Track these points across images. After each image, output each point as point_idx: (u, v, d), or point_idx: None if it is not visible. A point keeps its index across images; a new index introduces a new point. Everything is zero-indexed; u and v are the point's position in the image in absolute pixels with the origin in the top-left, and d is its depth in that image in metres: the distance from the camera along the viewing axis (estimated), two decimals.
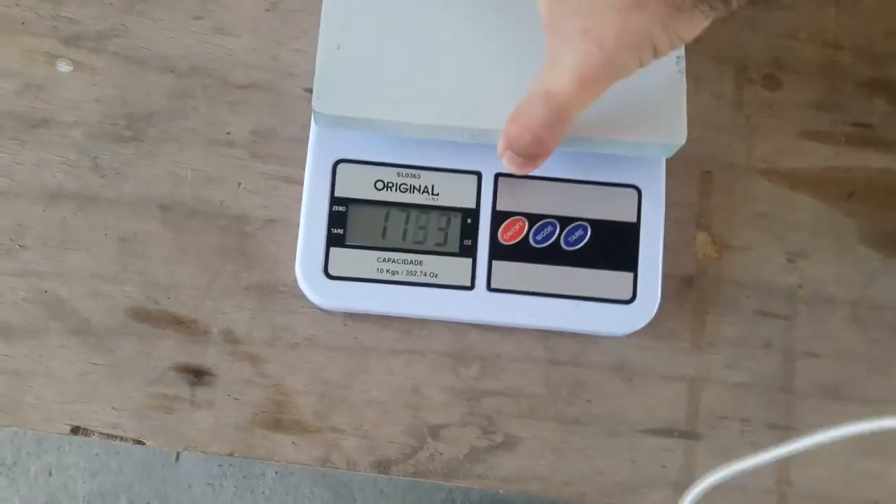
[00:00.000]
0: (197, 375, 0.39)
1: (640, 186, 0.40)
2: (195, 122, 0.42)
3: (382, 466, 0.39)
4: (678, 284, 0.42)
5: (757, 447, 0.39)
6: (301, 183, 0.39)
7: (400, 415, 0.39)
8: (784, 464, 0.40)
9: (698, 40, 0.41)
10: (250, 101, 0.42)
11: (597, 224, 0.40)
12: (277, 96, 0.42)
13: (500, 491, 0.39)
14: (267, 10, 0.44)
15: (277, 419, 0.39)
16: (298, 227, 0.39)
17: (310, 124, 0.40)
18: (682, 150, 0.38)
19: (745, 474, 0.38)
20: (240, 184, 0.41)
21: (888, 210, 0.45)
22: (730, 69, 0.46)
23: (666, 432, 0.40)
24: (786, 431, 0.41)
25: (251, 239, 0.40)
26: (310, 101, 0.40)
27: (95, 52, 0.42)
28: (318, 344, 0.40)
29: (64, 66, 0.42)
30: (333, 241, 0.39)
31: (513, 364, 0.40)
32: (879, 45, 0.47)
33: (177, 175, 0.41)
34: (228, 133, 0.42)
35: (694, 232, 0.43)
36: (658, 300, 0.39)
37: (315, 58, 0.36)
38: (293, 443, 0.39)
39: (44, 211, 0.40)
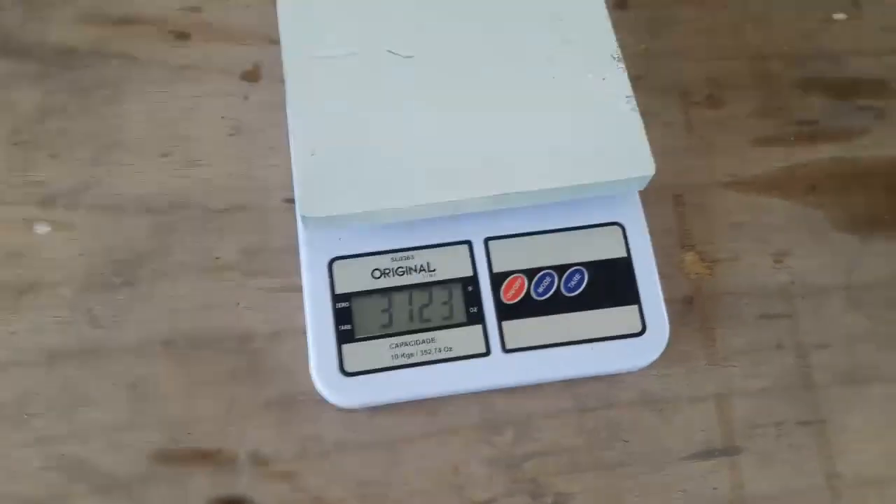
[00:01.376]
0: None
1: (622, 222, 0.42)
2: (182, 255, 0.42)
3: None
4: (680, 308, 0.43)
5: (796, 448, 0.39)
6: (298, 289, 0.39)
7: (446, 498, 0.39)
8: (828, 458, 0.41)
9: (638, 77, 0.44)
10: (233, 222, 0.43)
11: (591, 265, 0.41)
12: (259, 213, 0.43)
13: None
14: (231, 134, 0.45)
15: None
16: (305, 333, 0.39)
17: (295, 232, 0.41)
18: (651, 179, 0.40)
19: (793, 476, 0.38)
20: (238, 304, 0.41)
21: (851, 195, 0.47)
22: (673, 98, 0.49)
23: (707, 454, 0.41)
24: (819, 426, 0.41)
25: (260, 355, 0.40)
26: (291, 210, 0.41)
27: (70, 208, 0.43)
28: (348, 446, 0.39)
29: (42, 228, 0.42)
30: (344, 337, 0.39)
31: (545, 421, 0.40)
32: (800, 46, 0.51)
33: (174, 310, 0.41)
34: (217, 258, 0.42)
35: (681, 254, 0.45)
36: (667, 326, 0.40)
37: (289, 168, 0.37)
38: None
39: (46, 374, 0.39)
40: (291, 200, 0.37)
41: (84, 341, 0.40)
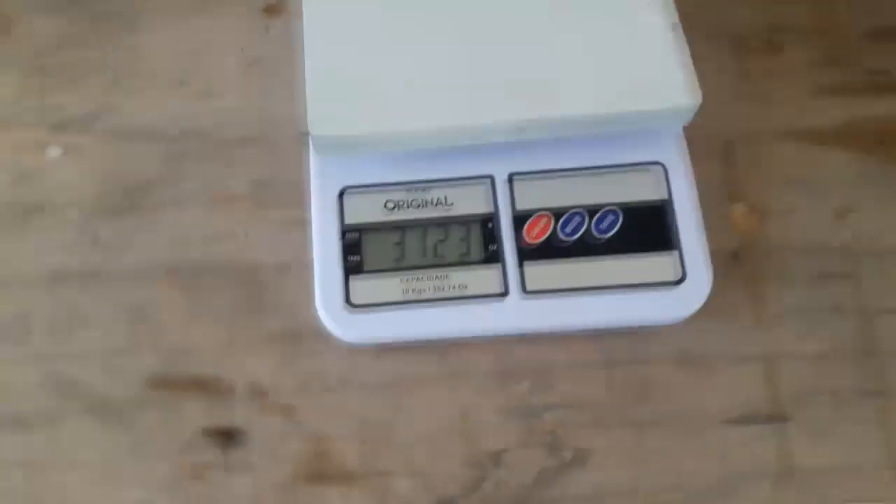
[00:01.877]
0: (228, 437, 0.35)
1: (664, 162, 0.38)
2: (193, 184, 0.40)
3: None
4: (725, 261, 0.39)
5: (855, 420, 0.35)
6: (308, 223, 0.37)
7: (454, 446, 0.35)
8: (892, 433, 0.36)
9: (688, 20, 0.40)
10: (245, 154, 0.41)
11: (627, 207, 0.37)
12: (271, 145, 0.41)
13: None
14: (249, 66, 0.43)
15: (321, 471, 0.35)
16: (313, 267, 0.36)
17: (307, 166, 0.38)
18: (699, 125, 0.36)
19: (850, 450, 0.34)
20: (246, 234, 0.39)
21: None
22: (726, 43, 0.45)
23: (751, 419, 0.36)
24: (882, 397, 0.36)
25: (266, 287, 0.38)
26: (305, 144, 0.39)
27: (83, 133, 0.41)
28: (352, 384, 0.36)
29: (54, 151, 0.41)
30: (351, 269, 0.36)
31: (567, 372, 0.37)
32: None
33: (181, 238, 0.39)
34: (227, 188, 0.40)
35: (729, 205, 0.41)
36: (710, 275, 0.36)
37: (305, 103, 0.35)
38: (342, 494, 0.35)
39: (47, 294, 0.38)
40: (306, 134, 0.35)
41: (87, 264, 0.38)
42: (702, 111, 0.35)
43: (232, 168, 0.40)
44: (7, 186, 0.40)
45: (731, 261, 0.39)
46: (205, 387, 0.36)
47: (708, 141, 0.41)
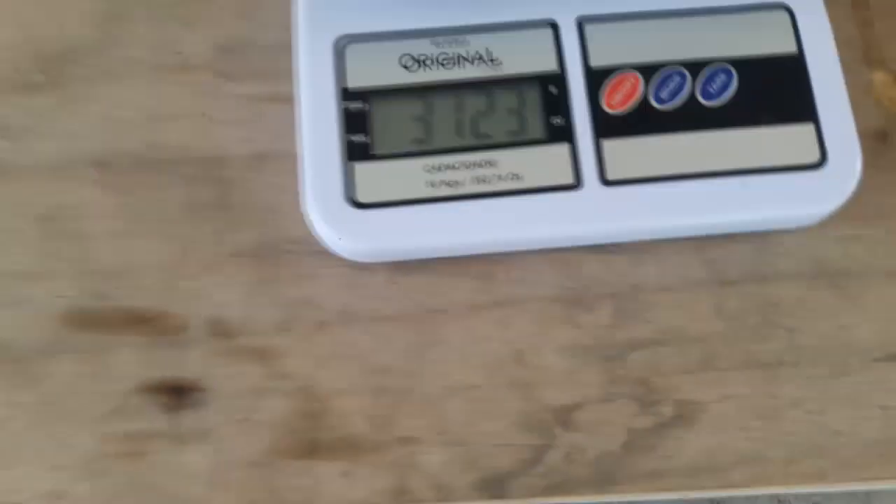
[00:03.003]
0: (177, 394, 0.24)
1: (790, 4, 0.27)
2: (134, 48, 0.29)
3: (494, 487, 0.24)
4: (869, 144, 0.28)
5: None
6: (292, 99, 0.26)
7: (505, 401, 0.25)
8: None
9: None
10: (209, 8, 0.29)
11: (743, 63, 0.26)
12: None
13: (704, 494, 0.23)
14: None
15: (314, 441, 0.24)
16: (298, 155, 0.25)
17: (296, 13, 0.27)
18: None
19: None
20: (204, 114, 0.28)
21: None
22: None
23: None
24: None
25: (234, 185, 0.27)
26: None
27: None
28: (358, 317, 0.25)
29: None
30: (355, 153, 0.25)
31: (662, 295, 0.26)
32: None
33: (116, 121, 0.28)
34: (180, 52, 0.29)
35: (867, 73, 0.29)
36: (859, 156, 0.25)
37: None
38: (344, 473, 0.24)
39: None
40: None
41: None
42: None
43: (190, 27, 0.29)
44: None
45: (877, 144, 0.28)
46: (145, 325, 0.25)
47: None
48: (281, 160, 0.27)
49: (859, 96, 0.29)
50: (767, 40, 0.27)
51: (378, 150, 0.25)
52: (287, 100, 0.27)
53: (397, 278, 0.26)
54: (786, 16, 0.27)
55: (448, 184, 0.25)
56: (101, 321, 0.25)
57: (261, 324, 0.25)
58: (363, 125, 0.25)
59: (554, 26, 0.27)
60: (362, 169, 0.25)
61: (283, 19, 0.28)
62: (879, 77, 0.30)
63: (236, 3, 0.30)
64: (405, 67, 0.26)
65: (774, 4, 0.27)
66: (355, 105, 0.26)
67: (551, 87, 0.26)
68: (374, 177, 0.25)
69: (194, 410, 0.25)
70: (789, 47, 0.27)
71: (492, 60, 0.26)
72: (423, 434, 0.24)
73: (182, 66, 0.29)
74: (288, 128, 0.27)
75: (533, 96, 0.26)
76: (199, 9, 0.30)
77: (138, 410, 0.25)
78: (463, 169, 0.25)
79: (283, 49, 0.27)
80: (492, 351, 0.25)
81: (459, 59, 0.26)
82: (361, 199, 0.25)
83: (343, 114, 0.26)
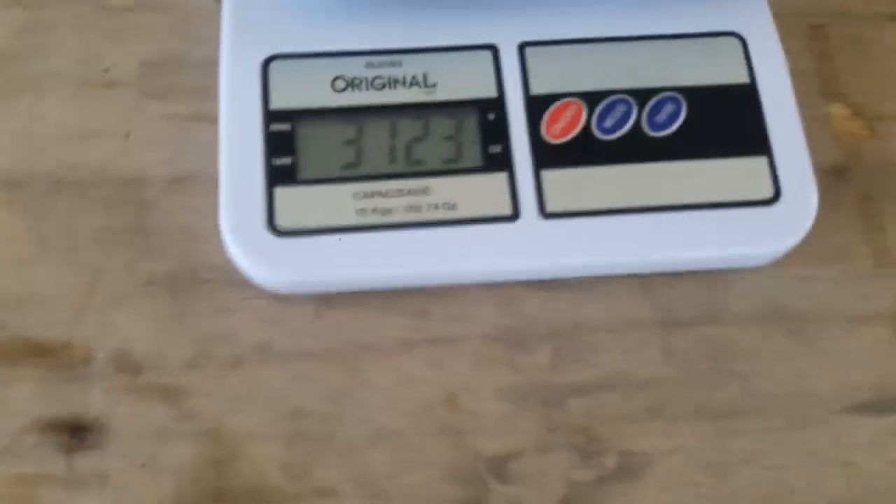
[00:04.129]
0: (75, 433, 0.22)
1: (741, 33, 0.26)
2: (57, 62, 0.27)
3: None
4: (826, 179, 0.27)
5: None
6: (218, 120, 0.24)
7: (434, 449, 0.22)
8: None
9: None
10: (140, 23, 0.28)
11: (693, 92, 0.25)
12: (176, 13, 0.28)
13: None
14: None
15: (221, 490, 0.22)
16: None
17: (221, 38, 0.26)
18: (778, 2, 0.25)
19: None
20: (129, 134, 0.26)
21: None
22: None
23: (880, 407, 0.24)
24: None
25: (152, 209, 0.25)
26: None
27: None
28: (277, 353, 0.23)
29: None
30: (278, 176, 0.23)
31: (606, 336, 0.24)
32: None
33: (31, 137, 0.26)
34: (107, 70, 0.27)
35: (823, 106, 0.28)
36: (815, 191, 0.24)
37: None
38: None
39: None
40: None
41: None
42: None
43: (119, 42, 0.28)
44: None
45: (834, 179, 0.27)
46: (45, 357, 0.23)
47: (790, 20, 0.29)
48: (203, 183, 0.26)
49: (815, 130, 0.28)
50: (718, 69, 0.26)
51: (303, 175, 0.24)
52: (214, 120, 0.25)
53: (322, 312, 0.24)
54: (738, 44, 0.26)
55: (378, 211, 0.23)
56: None
57: (170, 359, 0.23)
58: (288, 147, 0.24)
59: (494, 50, 0.25)
60: (285, 193, 0.23)
61: (216, 35, 0.26)
62: (837, 110, 0.29)
63: (168, 16, 0.28)
64: (336, 89, 0.25)
65: (725, 32, 0.26)
66: (280, 126, 0.24)
67: (490, 114, 0.25)
68: (297, 202, 0.23)
69: (92, 452, 0.22)
70: (741, 77, 0.26)
71: (428, 84, 0.25)
72: (342, 485, 0.22)
73: (106, 81, 0.27)
74: (213, 149, 0.25)
75: (470, 123, 0.24)
76: (129, 22, 0.28)
77: (32, 450, 0.22)
78: (395, 196, 0.24)
79: (213, 66, 0.26)
80: (422, 394, 0.23)
81: (393, 82, 0.25)
82: (283, 225, 0.23)
83: (266, 135, 0.24)
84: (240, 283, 0.24)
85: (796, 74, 0.28)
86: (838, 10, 0.31)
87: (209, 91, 0.27)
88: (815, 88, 0.29)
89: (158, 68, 0.28)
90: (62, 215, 0.25)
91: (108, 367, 0.23)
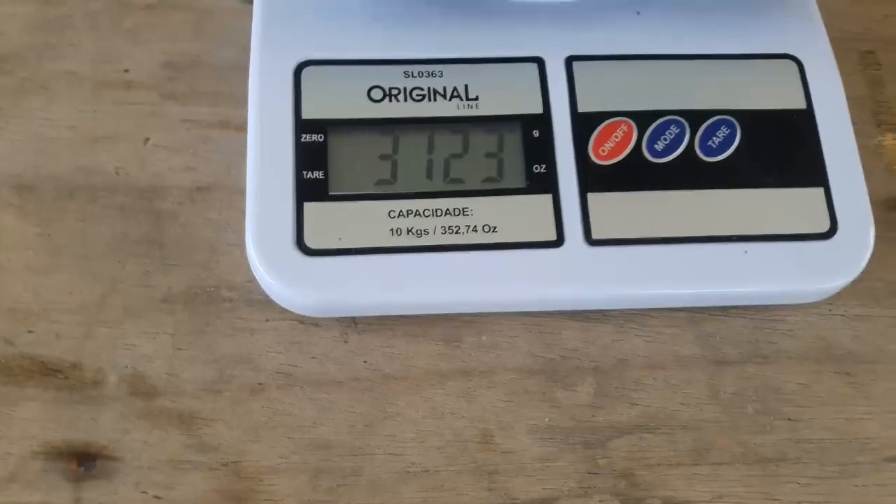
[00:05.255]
0: (84, 461, 0.21)
1: (798, 55, 0.24)
2: (74, 61, 0.26)
3: None
4: (880, 214, 0.25)
5: None
6: (245, 127, 0.23)
7: (466, 489, 0.21)
8: None
9: None
10: (161, 23, 0.27)
11: (748, 117, 0.24)
12: (200, 13, 0.27)
13: None
14: None
15: None
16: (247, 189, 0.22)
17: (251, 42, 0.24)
18: (828, 24, 0.24)
19: None
20: (147, 140, 0.25)
21: None
22: None
23: None
24: None
25: (171, 220, 0.24)
26: (250, 12, 0.25)
27: None
28: (301, 379, 0.22)
29: None
30: (309, 192, 0.22)
31: (651, 373, 0.23)
32: None
33: (43, 139, 0.25)
34: (127, 71, 0.26)
35: (877, 135, 0.27)
36: (872, 226, 0.23)
37: None
38: None
39: None
40: None
41: None
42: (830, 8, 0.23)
43: (138, 42, 0.26)
44: None
45: (888, 213, 0.26)
46: (54, 377, 0.22)
47: (839, 46, 0.28)
48: (226, 194, 0.24)
49: (867, 160, 0.26)
50: (774, 93, 0.24)
51: (335, 190, 0.22)
52: (240, 127, 0.24)
53: (350, 337, 0.23)
54: (794, 67, 0.25)
55: (413, 232, 0.22)
56: (2, 370, 0.22)
57: (188, 383, 0.22)
58: (319, 160, 0.22)
59: (540, 63, 0.24)
60: (315, 210, 0.22)
61: (242, 38, 0.25)
62: (890, 140, 0.28)
63: (192, 15, 0.27)
64: (372, 99, 0.23)
65: (781, 55, 0.25)
66: (312, 137, 0.23)
67: (534, 131, 0.23)
68: (328, 220, 0.22)
69: (101, 482, 0.21)
70: (798, 102, 0.24)
71: (469, 97, 0.23)
72: None
73: (125, 83, 0.26)
74: (236, 158, 0.24)
75: (513, 139, 0.23)
76: (150, 21, 0.27)
77: (38, 478, 0.21)
78: (431, 216, 0.22)
79: (239, 71, 0.24)
80: (453, 429, 0.22)
81: (433, 93, 0.23)
82: (312, 244, 0.22)
83: (298, 146, 0.22)
84: (262, 302, 0.22)
85: (847, 102, 0.26)
86: (891, 36, 0.30)
87: (234, 96, 0.25)
88: (866, 116, 0.28)
89: (180, 70, 0.26)
90: (75, 223, 0.24)
91: (121, 389, 0.22)
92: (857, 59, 0.29)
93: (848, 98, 0.26)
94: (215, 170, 0.25)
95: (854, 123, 0.25)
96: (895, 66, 0.29)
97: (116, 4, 0.27)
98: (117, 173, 0.25)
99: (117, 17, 0.27)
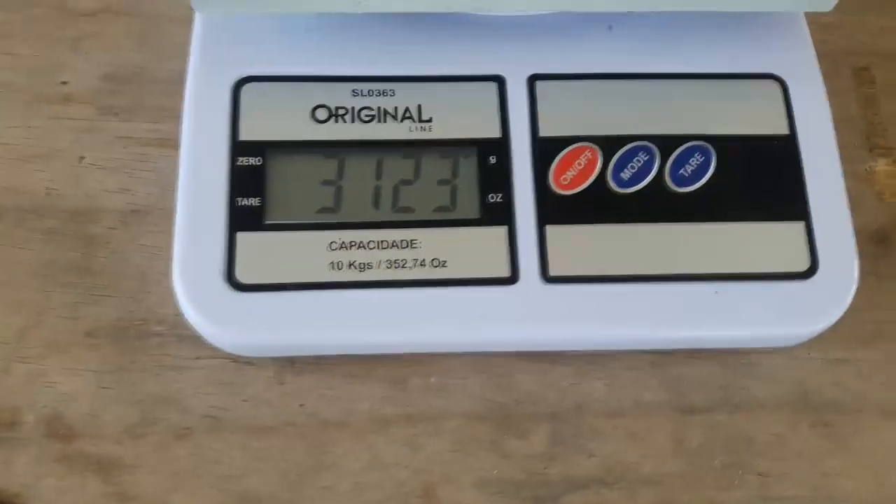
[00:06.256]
0: None
1: (782, 75, 0.23)
2: (11, 73, 0.24)
3: None
4: (865, 245, 0.23)
5: None
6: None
7: None
8: None
9: None
10: (103, 31, 0.25)
11: (724, 143, 0.22)
12: (146, 21, 0.25)
13: None
14: None
15: None
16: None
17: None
18: (819, 39, 0.22)
19: None
20: (82, 158, 0.23)
21: None
22: None
23: None
24: None
25: (102, 246, 0.22)
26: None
27: None
28: (230, 424, 0.20)
29: None
30: (242, 220, 0.20)
31: (611, 421, 0.21)
32: None
33: None
34: (65, 83, 0.24)
35: (868, 160, 0.25)
36: (856, 266, 0.21)
37: None
38: None
39: None
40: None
41: None
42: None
43: (78, 52, 0.24)
44: None
45: (873, 246, 0.24)
46: None
47: (832, 62, 0.26)
48: (161, 218, 0.23)
49: (856, 187, 0.25)
50: (754, 116, 0.22)
51: (271, 219, 0.21)
52: (178, 146, 0.22)
53: (286, 377, 0.21)
54: (777, 88, 0.23)
55: (356, 266, 0.20)
56: None
57: (109, 425, 0.20)
58: (255, 186, 0.21)
59: (500, 82, 0.22)
60: (248, 240, 0.20)
61: (185, 47, 0.23)
62: (882, 166, 0.26)
63: (136, 24, 0.25)
64: (316, 119, 0.21)
65: (764, 74, 0.23)
66: (248, 160, 0.21)
67: (490, 157, 0.21)
68: (262, 251, 0.20)
69: None
70: (780, 127, 0.22)
71: (422, 119, 0.22)
72: None
73: (63, 96, 0.24)
74: (175, 180, 0.22)
75: (468, 166, 0.21)
76: (92, 29, 0.25)
77: None
78: (376, 249, 0.21)
79: (182, 84, 0.23)
80: (395, 481, 0.20)
81: (383, 115, 0.22)
82: (243, 278, 0.20)
83: (232, 170, 0.21)
84: (192, 338, 0.21)
85: (838, 123, 0.24)
86: (887, 50, 0.28)
87: (177, 111, 0.24)
88: (857, 140, 0.26)
89: (122, 83, 0.25)
90: None
91: (38, 430, 0.20)
92: (850, 75, 0.27)
93: (838, 119, 0.24)
94: (151, 191, 0.23)
95: (844, 147, 0.24)
96: (891, 83, 0.27)
97: (58, 11, 0.26)
98: (48, 194, 0.23)
99: (57, 25, 0.26)
